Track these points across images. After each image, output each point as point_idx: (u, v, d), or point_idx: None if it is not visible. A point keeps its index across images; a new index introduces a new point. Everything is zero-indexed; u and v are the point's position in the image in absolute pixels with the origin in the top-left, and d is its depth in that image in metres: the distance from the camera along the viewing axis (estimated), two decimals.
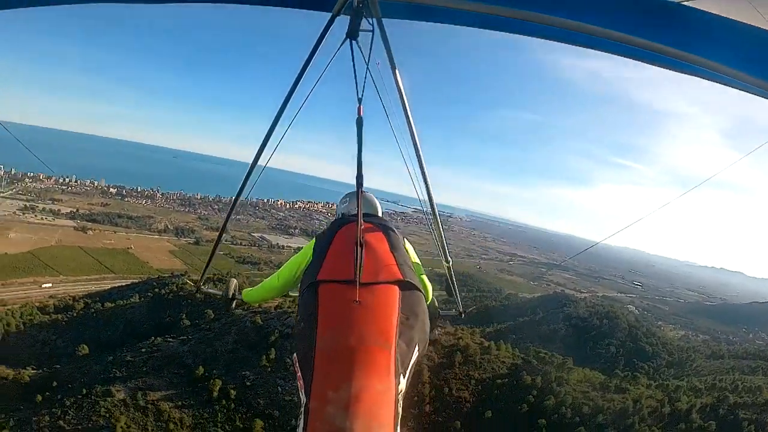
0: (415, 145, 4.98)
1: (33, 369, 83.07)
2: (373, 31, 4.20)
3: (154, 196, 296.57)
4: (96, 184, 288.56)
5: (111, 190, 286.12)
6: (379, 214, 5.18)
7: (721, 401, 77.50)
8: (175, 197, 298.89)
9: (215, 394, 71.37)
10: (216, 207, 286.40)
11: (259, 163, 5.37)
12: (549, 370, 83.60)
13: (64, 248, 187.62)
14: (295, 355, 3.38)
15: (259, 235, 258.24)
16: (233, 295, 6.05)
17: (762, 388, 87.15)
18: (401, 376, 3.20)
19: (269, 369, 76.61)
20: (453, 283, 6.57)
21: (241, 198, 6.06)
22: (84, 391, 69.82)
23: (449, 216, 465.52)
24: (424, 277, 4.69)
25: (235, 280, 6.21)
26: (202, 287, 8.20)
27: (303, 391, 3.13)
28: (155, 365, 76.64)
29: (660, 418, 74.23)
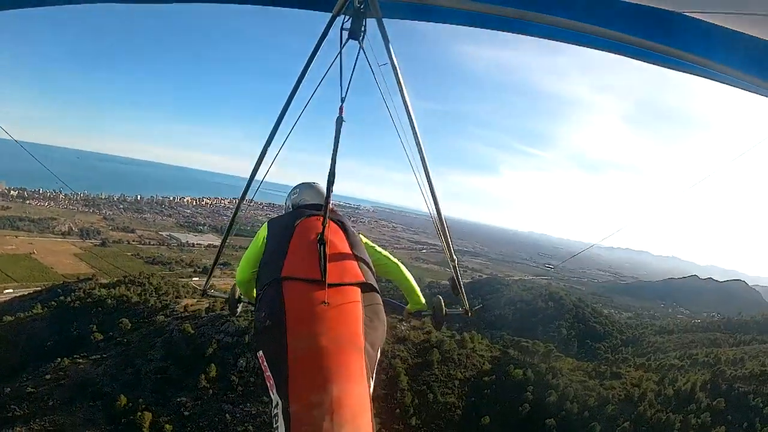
0: (418, 145, 4.82)
1: None
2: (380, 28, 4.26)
3: (57, 197, 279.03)
4: None
5: (12, 192, 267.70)
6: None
7: (716, 376, 75.37)
8: (78, 198, 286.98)
9: (145, 431, 56.25)
10: (121, 206, 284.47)
11: (262, 164, 5.26)
12: (536, 362, 77.51)
13: None
14: (261, 352, 3.28)
15: (167, 233, 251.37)
16: (239, 297, 5.34)
17: (744, 360, 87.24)
18: (371, 378, 3.22)
19: (211, 391, 63.55)
20: (459, 281, 5.75)
21: (246, 199, 5.85)
22: None
23: (357, 208, 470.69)
24: (389, 255, 4.83)
25: None
26: (208, 291, 7.25)
27: (275, 390, 3.07)
28: (64, 396, 61.05)
29: (667, 402, 69.63)
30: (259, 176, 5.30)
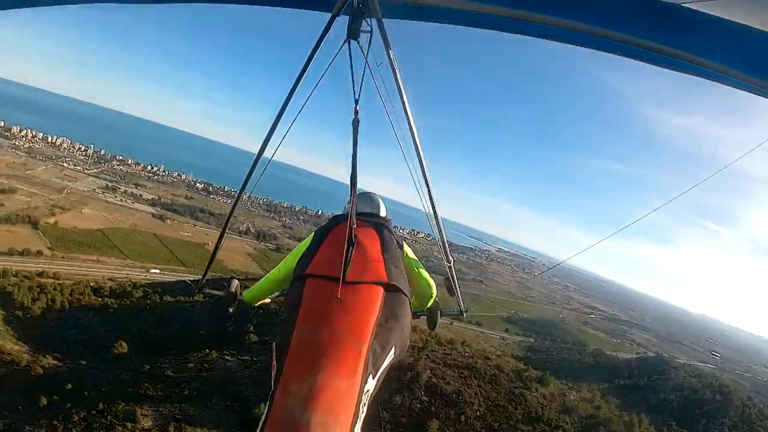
0: (415, 144, 4.85)
1: (55, 359, 67.98)
2: (382, 29, 4.25)
3: (240, 197, 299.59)
4: (183, 177, 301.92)
5: (197, 184, 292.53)
6: (382, 215, 5.41)
7: None
8: (261, 202, 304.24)
9: None
10: (301, 217, 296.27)
11: (260, 165, 5.51)
12: None
13: (138, 232, 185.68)
14: (274, 343, 3.42)
15: None
16: (235, 294, 5.61)
17: None
18: (371, 376, 3.28)
19: None
20: (454, 283, 6.12)
21: (243, 199, 6.21)
22: (101, 405, 52.27)
23: (533, 259, 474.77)
24: (423, 271, 4.95)
25: (237, 281, 5.85)
26: (204, 288, 7.32)
27: (273, 380, 3.20)
28: (202, 388, 59.15)
29: None
30: (258, 177, 5.47)
